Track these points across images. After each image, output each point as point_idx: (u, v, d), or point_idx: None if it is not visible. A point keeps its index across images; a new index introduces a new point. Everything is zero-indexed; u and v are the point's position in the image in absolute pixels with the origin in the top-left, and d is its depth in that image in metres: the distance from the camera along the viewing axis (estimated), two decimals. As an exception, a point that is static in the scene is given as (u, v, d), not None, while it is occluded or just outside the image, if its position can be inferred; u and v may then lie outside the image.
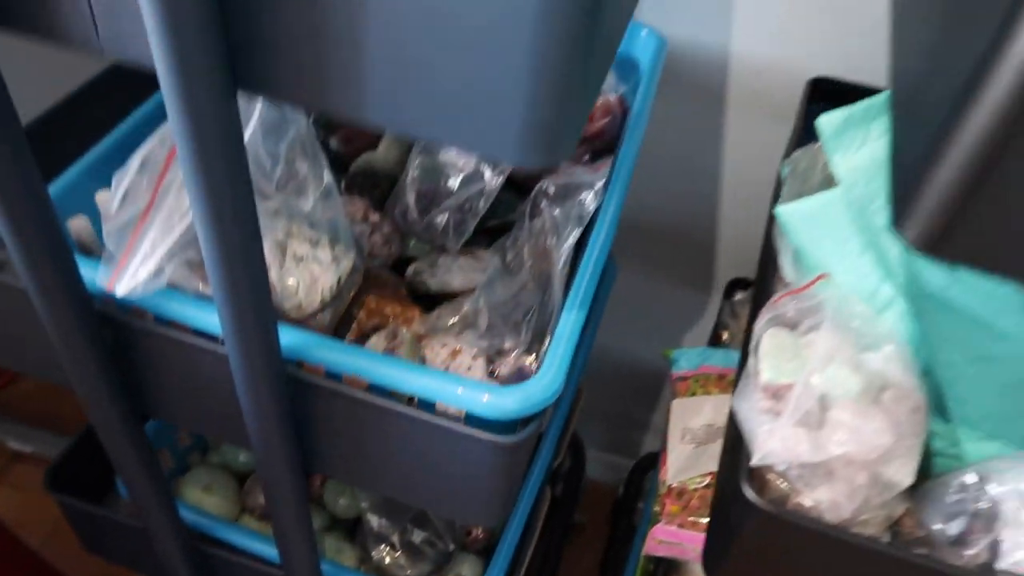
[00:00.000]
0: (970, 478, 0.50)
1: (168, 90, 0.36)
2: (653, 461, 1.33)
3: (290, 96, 0.37)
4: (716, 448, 0.81)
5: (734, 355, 0.90)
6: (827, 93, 0.88)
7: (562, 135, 0.35)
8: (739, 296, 1.00)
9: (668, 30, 0.90)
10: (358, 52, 0.34)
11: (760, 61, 0.93)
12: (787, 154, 0.84)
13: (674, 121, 1.00)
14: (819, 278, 0.56)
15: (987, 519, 0.49)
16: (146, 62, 0.37)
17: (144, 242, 0.46)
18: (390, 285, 0.67)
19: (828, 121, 0.53)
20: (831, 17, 0.87)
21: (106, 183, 0.61)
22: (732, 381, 0.88)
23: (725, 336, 1.01)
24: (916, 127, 0.36)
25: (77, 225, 0.57)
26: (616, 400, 1.40)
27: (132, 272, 0.45)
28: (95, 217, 0.63)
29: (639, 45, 0.86)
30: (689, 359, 0.91)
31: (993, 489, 0.48)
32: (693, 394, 0.87)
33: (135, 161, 0.49)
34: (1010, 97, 0.29)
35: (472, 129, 0.34)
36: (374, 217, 0.70)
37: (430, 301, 0.69)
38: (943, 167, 0.32)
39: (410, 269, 0.69)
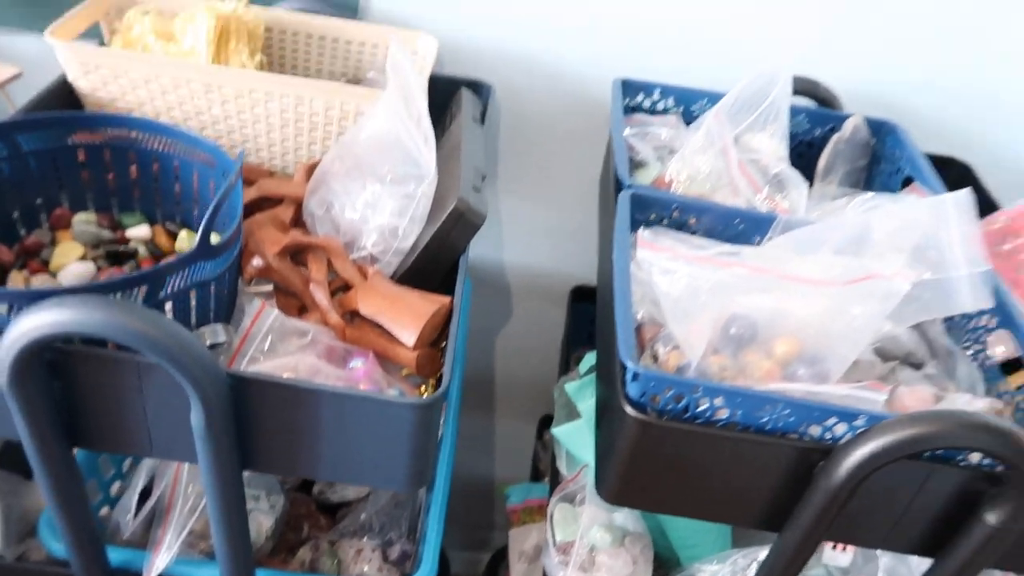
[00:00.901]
0: (675, 583, 0.87)
1: (205, 472, 0.65)
2: (504, 553, 1.66)
3: (274, 471, 0.67)
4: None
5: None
6: (586, 294, 1.27)
7: (426, 471, 0.68)
8: (547, 435, 1.36)
9: (475, 250, 1.26)
10: (315, 451, 0.65)
11: (539, 270, 1.31)
12: (563, 349, 1.22)
13: (488, 308, 1.36)
14: (582, 469, 0.92)
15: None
16: (188, 460, 0.65)
17: (166, 542, 0.72)
18: (303, 503, 0.96)
19: (570, 386, 0.90)
20: (582, 243, 1.26)
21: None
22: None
23: (541, 464, 1.37)
24: (601, 431, 0.72)
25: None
26: (469, 509, 1.72)
27: (158, 565, 0.72)
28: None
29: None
30: (518, 494, 1.25)
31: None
32: (524, 523, 1.21)
33: (139, 482, 0.76)
34: (636, 436, 0.64)
35: (381, 478, 0.66)
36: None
37: (333, 507, 0.98)
38: (610, 469, 0.67)
39: (315, 488, 0.98)
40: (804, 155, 1.04)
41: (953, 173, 1.07)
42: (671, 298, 0.61)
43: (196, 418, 0.59)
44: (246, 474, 0.85)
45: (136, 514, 0.77)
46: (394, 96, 0.74)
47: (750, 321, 0.67)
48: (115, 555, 0.77)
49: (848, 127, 1.01)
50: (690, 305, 0.60)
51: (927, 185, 0.93)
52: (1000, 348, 0.76)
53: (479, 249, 1.28)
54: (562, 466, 0.95)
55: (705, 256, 0.62)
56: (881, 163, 1.04)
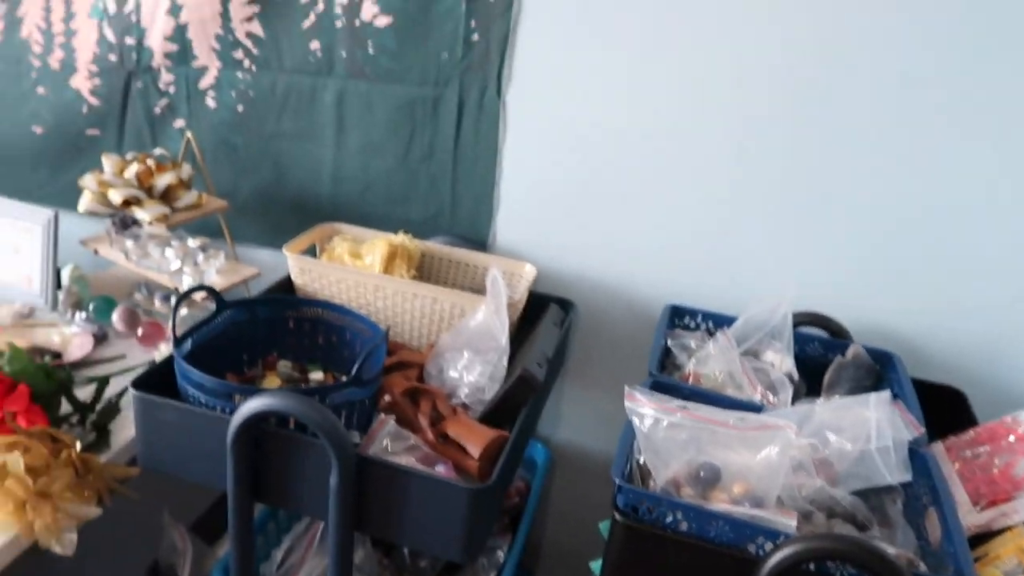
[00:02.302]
0: None
1: (331, 526, 0.97)
2: None
3: (376, 533, 0.99)
4: None
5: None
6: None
7: (477, 546, 0.97)
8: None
9: (555, 435, 1.57)
10: (404, 519, 0.96)
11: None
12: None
13: (568, 482, 1.64)
14: (610, 599, 1.15)
15: None
16: (322, 517, 0.99)
17: (297, 586, 1.04)
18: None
19: (603, 524, 1.16)
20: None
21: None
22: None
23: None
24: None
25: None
26: None
27: (291, 600, 1.03)
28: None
29: (536, 452, 1.53)
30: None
31: None
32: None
33: (285, 544, 1.10)
34: (620, 537, 0.91)
35: (445, 548, 0.96)
36: (385, 561, 1.28)
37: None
38: (605, 568, 0.94)
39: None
40: (819, 374, 1.31)
41: (948, 398, 1.29)
42: (642, 433, 0.91)
43: (334, 479, 0.93)
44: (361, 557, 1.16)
45: (279, 568, 1.10)
46: (490, 302, 1.13)
47: (715, 468, 0.94)
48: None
49: (849, 353, 1.28)
50: (657, 441, 0.90)
51: (907, 403, 1.17)
52: (930, 519, 0.97)
53: (563, 433, 1.59)
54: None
55: (668, 407, 0.92)
56: (883, 384, 1.29)
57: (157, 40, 1.52)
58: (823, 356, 1.33)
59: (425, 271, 1.46)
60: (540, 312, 1.40)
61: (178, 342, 1.06)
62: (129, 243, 1.48)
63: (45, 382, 1.12)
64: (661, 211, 1.40)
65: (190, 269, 1.44)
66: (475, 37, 1.35)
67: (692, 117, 1.33)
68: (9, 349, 1.15)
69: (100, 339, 1.40)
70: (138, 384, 1.02)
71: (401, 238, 1.40)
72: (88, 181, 1.43)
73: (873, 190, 1.29)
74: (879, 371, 1.31)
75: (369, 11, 1.39)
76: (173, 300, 1.50)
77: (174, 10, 1.48)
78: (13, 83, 1.66)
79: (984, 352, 1.35)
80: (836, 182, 1.31)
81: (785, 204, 1.34)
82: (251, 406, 0.91)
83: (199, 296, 1.36)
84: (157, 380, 1.05)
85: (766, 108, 1.29)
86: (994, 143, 1.21)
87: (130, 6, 1.52)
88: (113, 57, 1.57)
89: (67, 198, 1.59)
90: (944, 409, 1.24)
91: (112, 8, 1.53)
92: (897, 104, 1.23)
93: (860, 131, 1.26)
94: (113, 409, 1.16)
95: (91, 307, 1.45)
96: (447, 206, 1.50)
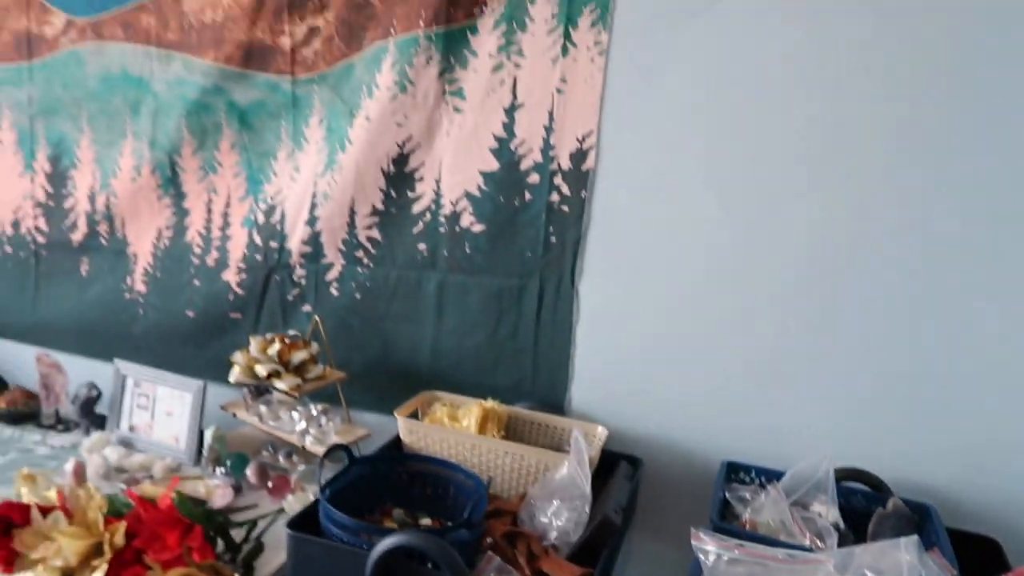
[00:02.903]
0: None
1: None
2: None
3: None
4: None
5: None
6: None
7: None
8: None
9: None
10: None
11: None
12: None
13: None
14: None
15: None
16: None
17: None
18: None
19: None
20: None
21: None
22: None
23: None
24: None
25: None
26: None
27: None
28: None
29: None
30: None
31: None
32: None
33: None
34: None
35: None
36: None
37: None
38: None
39: None
40: (864, 525, 1.47)
41: (984, 548, 1.44)
42: (707, 567, 1.10)
43: (451, 606, 1.13)
44: None
45: None
46: (572, 458, 1.36)
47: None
48: None
49: (889, 505, 1.45)
50: (720, 575, 1.09)
51: (942, 551, 1.33)
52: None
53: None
54: None
55: (727, 544, 1.11)
56: (923, 535, 1.45)
57: (296, 244, 1.88)
58: (866, 508, 1.49)
59: (511, 431, 1.70)
60: (611, 468, 1.61)
61: (322, 490, 1.30)
62: (263, 408, 1.76)
63: (207, 523, 1.37)
64: (716, 379, 1.63)
65: (313, 430, 1.70)
66: (553, 239, 1.67)
67: (738, 302, 1.59)
68: (177, 496, 1.41)
69: (236, 490, 1.65)
70: (292, 525, 1.26)
71: (491, 403, 1.65)
72: (238, 357, 1.73)
73: (906, 358, 1.50)
74: (918, 522, 1.46)
75: (467, 220, 1.73)
76: (295, 457, 1.75)
77: (311, 221, 1.85)
78: (175, 276, 2.04)
79: (1017, 502, 1.50)
80: (870, 353, 1.53)
81: (826, 372, 1.56)
82: (390, 542, 1.14)
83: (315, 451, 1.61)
84: (301, 522, 1.29)
85: (804, 286, 1.54)
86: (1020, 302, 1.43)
87: (276, 217, 1.90)
88: (259, 257, 1.94)
89: (208, 369, 1.91)
90: (982, 558, 1.39)
91: (261, 219, 1.92)
92: (926, 274, 1.47)
93: (891, 305, 1.50)
94: (259, 548, 1.40)
95: (228, 463, 1.72)
96: (529, 376, 1.76)
